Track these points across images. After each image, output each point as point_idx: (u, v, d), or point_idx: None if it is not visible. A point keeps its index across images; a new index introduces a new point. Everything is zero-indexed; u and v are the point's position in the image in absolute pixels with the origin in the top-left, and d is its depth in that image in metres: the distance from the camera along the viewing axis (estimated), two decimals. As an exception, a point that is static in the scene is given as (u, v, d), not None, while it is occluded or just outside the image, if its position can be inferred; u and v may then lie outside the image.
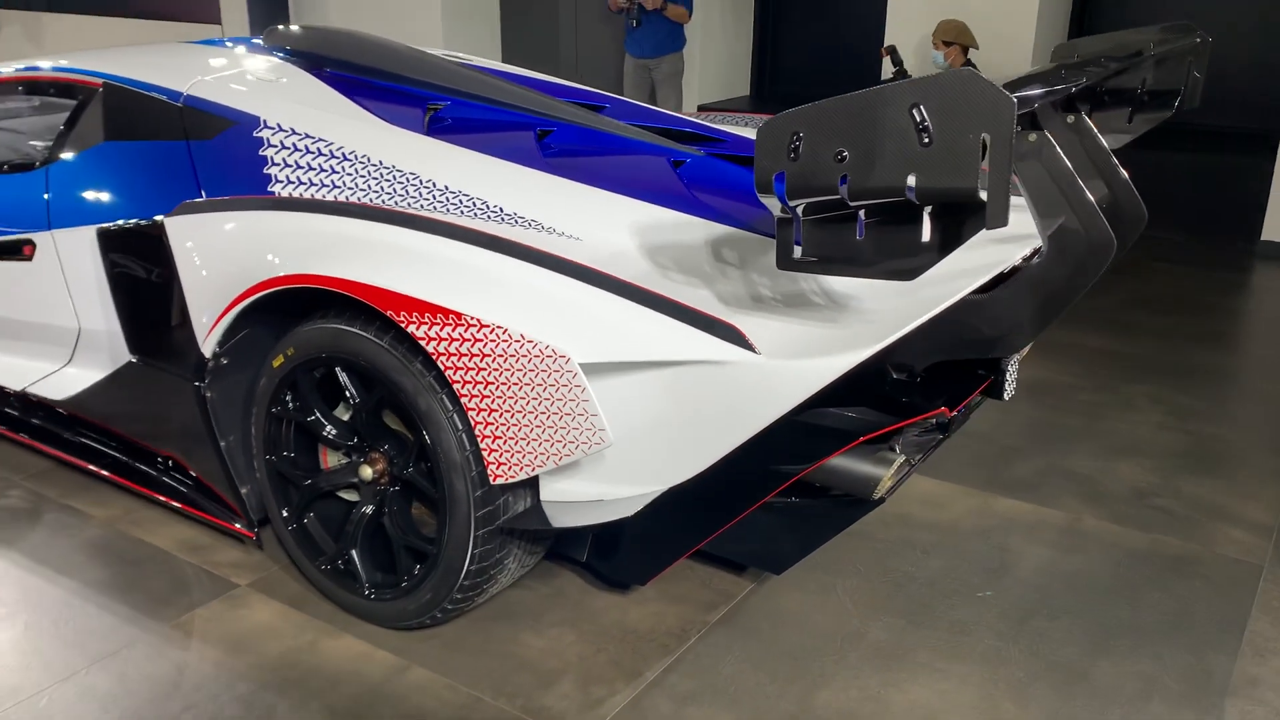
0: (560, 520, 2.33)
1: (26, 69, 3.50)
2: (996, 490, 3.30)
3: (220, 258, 2.62)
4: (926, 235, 1.81)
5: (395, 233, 2.42)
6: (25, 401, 3.35)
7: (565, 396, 2.11)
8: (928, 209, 1.80)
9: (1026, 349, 3.23)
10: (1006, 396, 2.75)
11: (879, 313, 2.23)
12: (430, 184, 2.68)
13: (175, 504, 2.99)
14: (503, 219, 2.58)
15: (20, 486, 3.30)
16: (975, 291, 2.47)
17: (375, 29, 7.86)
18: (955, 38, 6.11)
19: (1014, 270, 2.48)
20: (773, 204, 1.94)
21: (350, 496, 2.66)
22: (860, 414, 2.39)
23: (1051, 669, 2.49)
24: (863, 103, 1.75)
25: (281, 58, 3.35)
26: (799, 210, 1.91)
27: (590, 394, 2.09)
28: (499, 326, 2.15)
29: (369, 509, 2.56)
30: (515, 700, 2.37)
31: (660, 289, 2.22)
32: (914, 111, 1.69)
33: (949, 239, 1.80)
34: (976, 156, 1.65)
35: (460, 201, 2.64)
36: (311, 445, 2.66)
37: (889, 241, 1.86)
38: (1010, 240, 2.57)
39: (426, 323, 2.21)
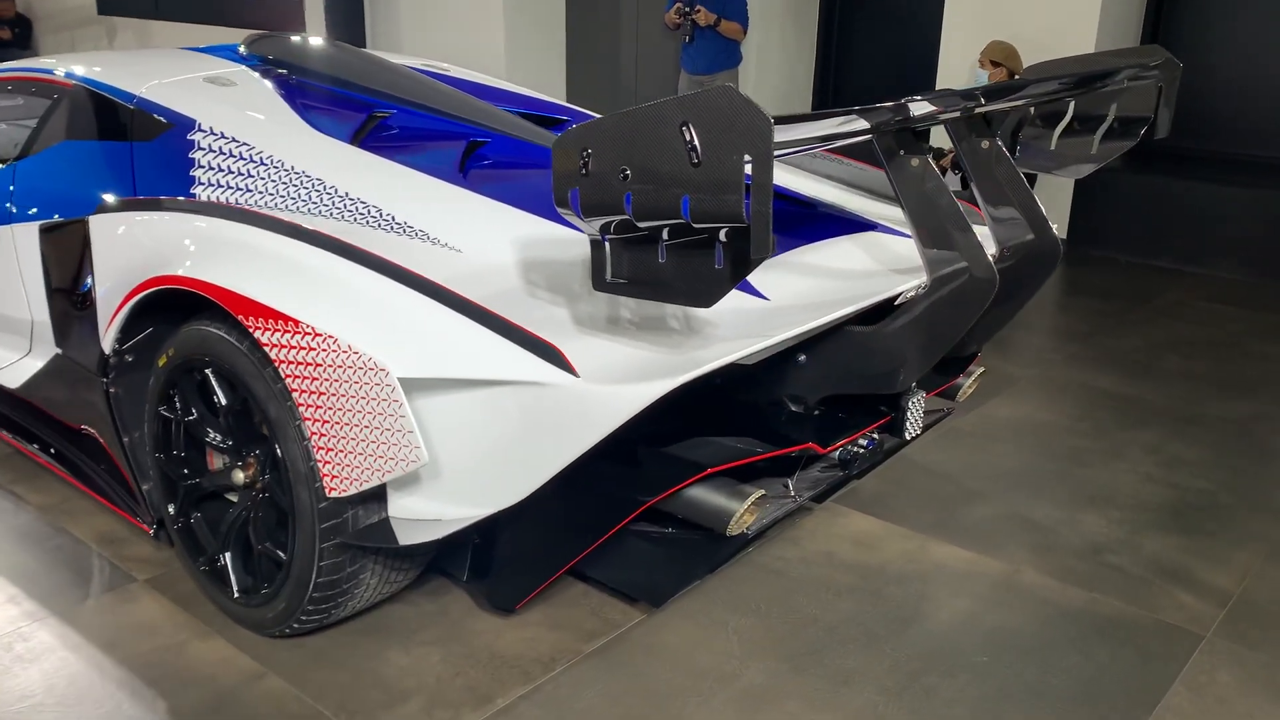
0: (407, 538, 2.29)
1: (23, 69, 3.63)
2: (939, 535, 3.12)
3: (120, 257, 2.67)
4: (719, 261, 1.71)
5: (262, 237, 2.42)
6: (-11, 388, 3.47)
7: (385, 411, 2.07)
8: (722, 233, 1.70)
9: (971, 386, 3.06)
10: (909, 435, 2.59)
11: (724, 339, 2.12)
12: (333, 190, 2.67)
13: (95, 496, 3.06)
14: (393, 228, 2.55)
15: (-26, 470, 3.42)
16: (857, 324, 2.35)
17: (442, 40, 8.02)
18: (1003, 60, 5.87)
19: (898, 303, 2.34)
20: (580, 222, 1.86)
21: (234, 499, 2.66)
22: (722, 444, 2.28)
23: (927, 730, 2.33)
24: (640, 119, 1.66)
25: (252, 66, 3.41)
26: (600, 229, 1.83)
27: (407, 410, 2.04)
28: (330, 335, 2.13)
29: (243, 513, 2.56)
30: (355, 717, 2.32)
31: (503, 307, 2.16)
32: (684, 130, 1.59)
33: (739, 266, 1.69)
34: (739, 178, 1.55)
35: (357, 209, 2.62)
36: (198, 446, 2.67)
37: (687, 266, 1.76)
38: (895, 272, 2.43)
39: (270, 328, 2.20)
